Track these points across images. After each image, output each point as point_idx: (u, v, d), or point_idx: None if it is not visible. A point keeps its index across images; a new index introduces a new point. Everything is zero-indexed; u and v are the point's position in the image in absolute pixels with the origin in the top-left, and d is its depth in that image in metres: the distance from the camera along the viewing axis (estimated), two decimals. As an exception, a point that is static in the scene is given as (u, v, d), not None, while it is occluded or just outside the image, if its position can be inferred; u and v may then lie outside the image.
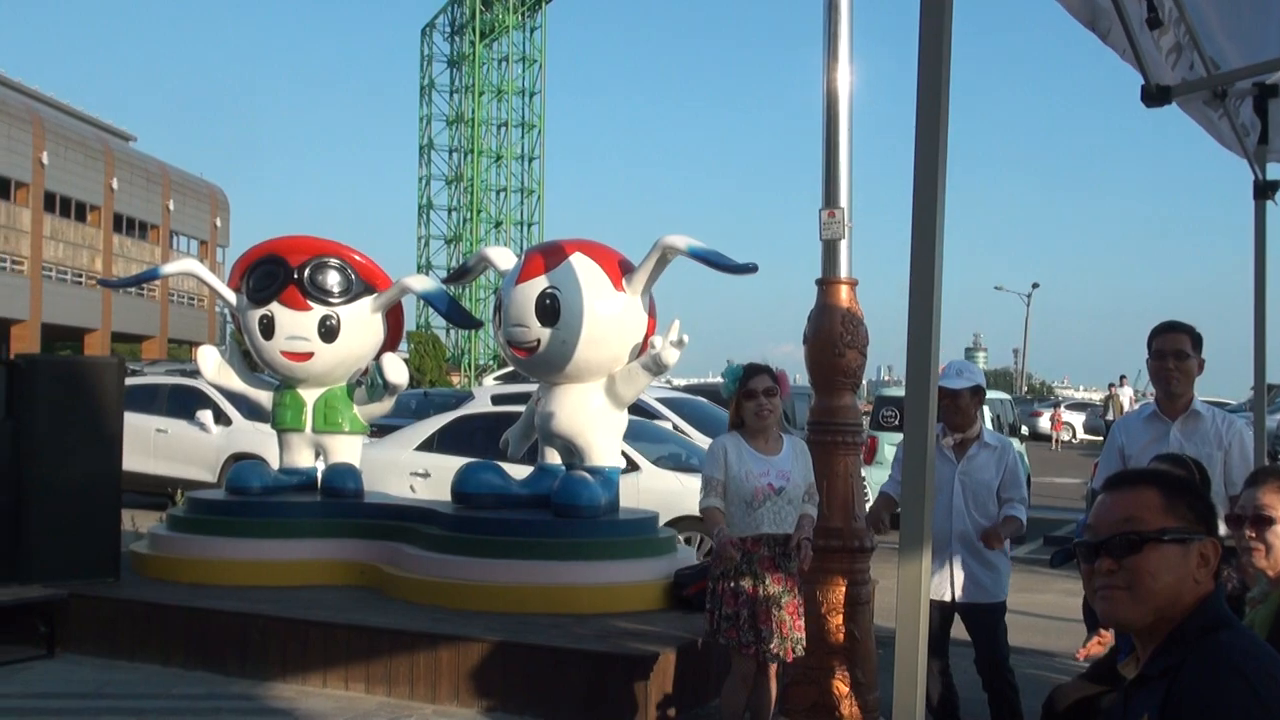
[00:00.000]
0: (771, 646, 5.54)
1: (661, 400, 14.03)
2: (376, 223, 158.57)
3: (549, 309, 7.97)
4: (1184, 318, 5.63)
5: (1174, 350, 5.51)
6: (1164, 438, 5.43)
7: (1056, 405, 47.38)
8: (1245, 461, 5.38)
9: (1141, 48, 3.94)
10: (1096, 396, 57.07)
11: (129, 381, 12.55)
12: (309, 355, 8.83)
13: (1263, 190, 5.92)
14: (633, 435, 11.66)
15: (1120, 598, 2.32)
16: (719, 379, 5.88)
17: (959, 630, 6.19)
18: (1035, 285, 64.99)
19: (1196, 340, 5.56)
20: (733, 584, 5.55)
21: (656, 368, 7.99)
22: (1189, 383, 5.53)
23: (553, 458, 8.45)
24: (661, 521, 8.98)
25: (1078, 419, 45.39)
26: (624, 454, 10.96)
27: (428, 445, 12.28)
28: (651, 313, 8.27)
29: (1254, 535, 3.57)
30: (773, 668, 5.82)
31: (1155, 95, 4.09)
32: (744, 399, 5.67)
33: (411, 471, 11.97)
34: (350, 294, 8.84)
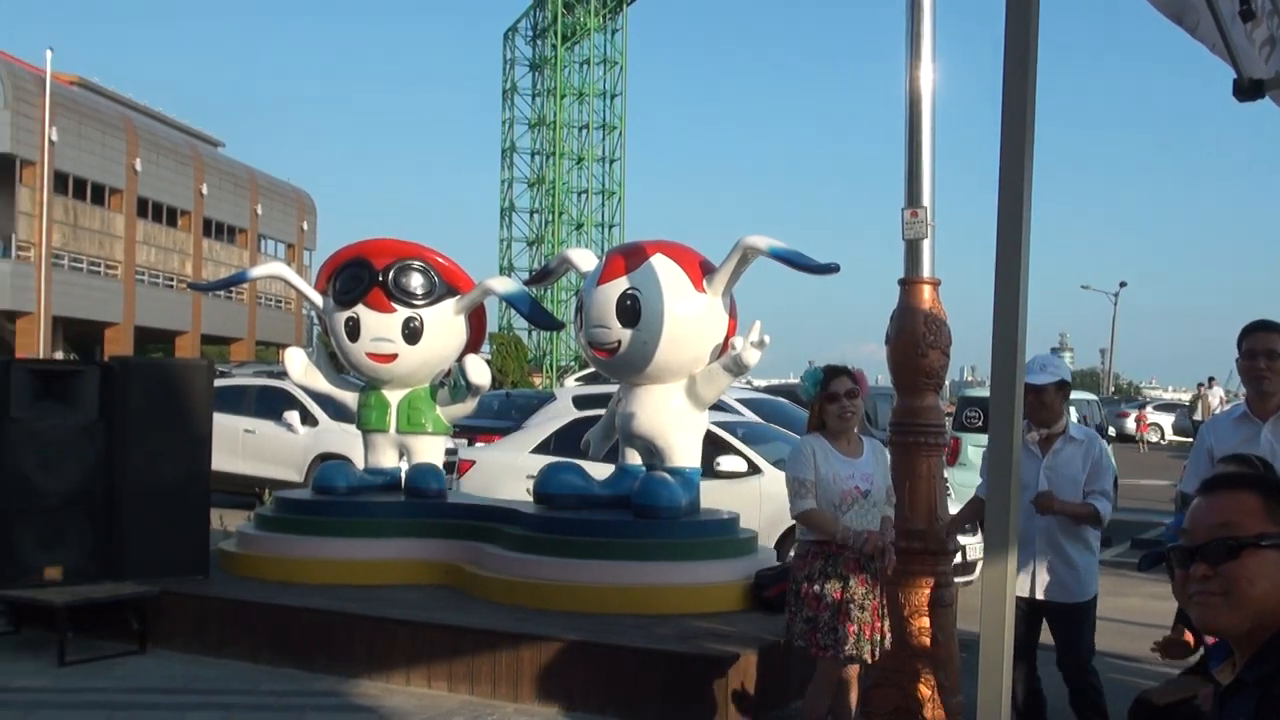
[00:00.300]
0: (847, 649, 5.50)
1: (742, 401, 13.97)
2: (459, 225, 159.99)
3: (630, 310, 7.98)
4: (1276, 317, 5.51)
5: (1265, 349, 5.40)
6: (1255, 439, 5.31)
7: (1142, 406, 46.52)
8: None
9: (1233, 41, 3.86)
10: (1185, 397, 55.99)
11: (218, 383, 12.80)
12: (393, 357, 8.93)
13: (1360, 184, 5.75)
14: (755, 439, 11.64)
15: (1216, 604, 2.27)
16: (799, 380, 5.83)
17: (1046, 633, 6.11)
18: (1123, 284, 63.94)
19: None
20: (817, 587, 5.51)
21: (737, 368, 7.97)
22: None
23: (633, 458, 8.46)
24: (783, 525, 8.86)
25: (1166, 420, 44.55)
26: (745, 458, 10.99)
27: (544, 448, 12.00)
28: (732, 313, 8.26)
29: None
30: (855, 670, 5.78)
31: (1247, 89, 4.01)
32: (826, 402, 5.64)
33: (528, 474, 11.82)
34: (433, 296, 8.92)
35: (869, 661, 5.62)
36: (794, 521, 5.77)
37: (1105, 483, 6.05)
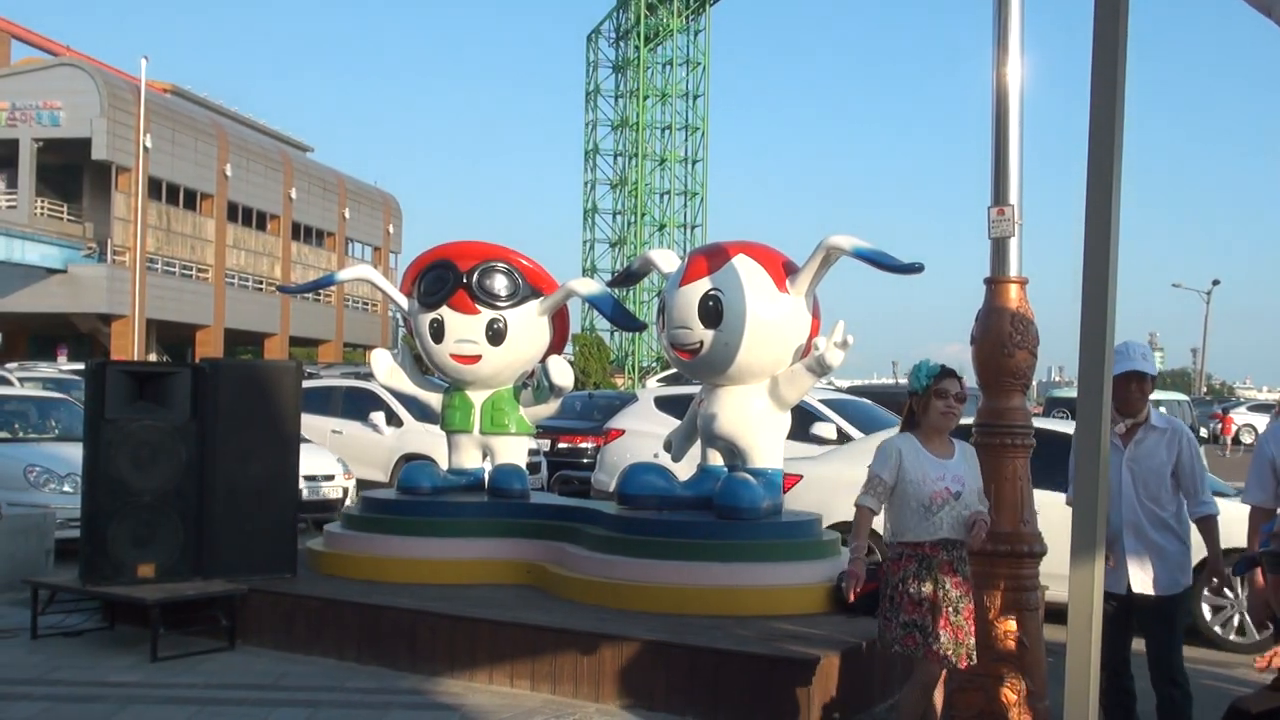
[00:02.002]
0: (944, 651, 5.44)
1: (825, 402, 13.90)
2: (542, 227, 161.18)
3: (712, 311, 7.97)
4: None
5: None
6: None
7: (1226, 407, 45.32)
8: None
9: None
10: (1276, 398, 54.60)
11: (306, 384, 12.98)
12: (477, 358, 9.00)
13: None
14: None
15: None
16: (910, 371, 5.77)
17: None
18: (1216, 282, 62.41)
19: None
20: (913, 589, 5.45)
21: (820, 369, 7.92)
22: None
23: (715, 459, 8.44)
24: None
25: (1261, 420, 43.49)
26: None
27: None
28: (816, 314, 8.21)
29: None
30: (943, 674, 5.71)
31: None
32: (935, 397, 5.57)
33: None
34: (517, 298, 8.97)
35: (961, 667, 5.55)
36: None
37: (1198, 480, 5.95)
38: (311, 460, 12.75)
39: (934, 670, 5.55)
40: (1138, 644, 6.01)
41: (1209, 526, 5.97)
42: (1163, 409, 16.68)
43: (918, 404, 5.63)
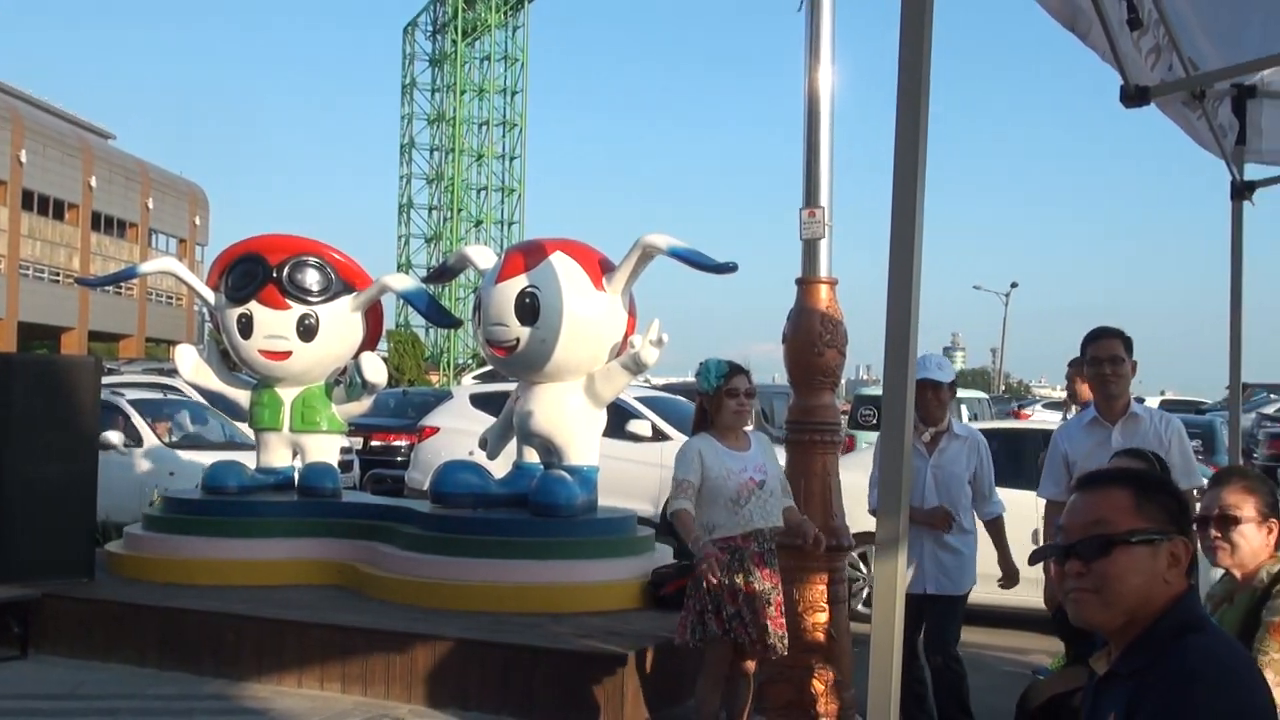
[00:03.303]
0: (759, 641, 5.53)
1: (640, 399, 14.02)
2: (356, 221, 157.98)
3: (529, 308, 7.96)
4: (1160, 317, 5.73)
5: (1109, 356, 5.61)
6: (1106, 442, 5.49)
7: (1022, 405, 47.22)
8: (1185, 458, 5.50)
9: (1121, 48, 3.94)
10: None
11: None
12: (287, 354, 8.80)
13: (1240, 190, 5.94)
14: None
15: (1090, 600, 2.30)
16: (697, 372, 5.81)
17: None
18: (1014, 285, 64.93)
19: (1129, 344, 5.69)
20: (728, 581, 5.52)
21: (636, 367, 7.99)
22: (1125, 386, 5.65)
23: (531, 456, 8.43)
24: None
25: (1055, 417, 45.29)
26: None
27: None
28: (631, 311, 8.27)
29: (1219, 535, 3.59)
30: (751, 666, 5.80)
31: (1134, 95, 4.09)
32: (727, 396, 5.65)
33: None
34: (329, 293, 8.81)
35: (773, 657, 5.65)
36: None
37: (991, 477, 6.31)
38: None
39: (724, 659, 5.63)
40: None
41: (998, 527, 6.34)
42: (963, 406, 17.34)
43: (710, 404, 5.71)
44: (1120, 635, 2.32)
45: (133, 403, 13.33)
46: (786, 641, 5.62)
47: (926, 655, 6.19)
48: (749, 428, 5.95)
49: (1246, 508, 3.57)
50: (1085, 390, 8.27)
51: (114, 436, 12.53)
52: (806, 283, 6.13)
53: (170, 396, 15.79)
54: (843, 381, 6.73)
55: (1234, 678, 2.17)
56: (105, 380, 14.82)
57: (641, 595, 7.69)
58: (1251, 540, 3.56)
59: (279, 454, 9.16)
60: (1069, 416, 8.95)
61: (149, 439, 13.02)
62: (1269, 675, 3.31)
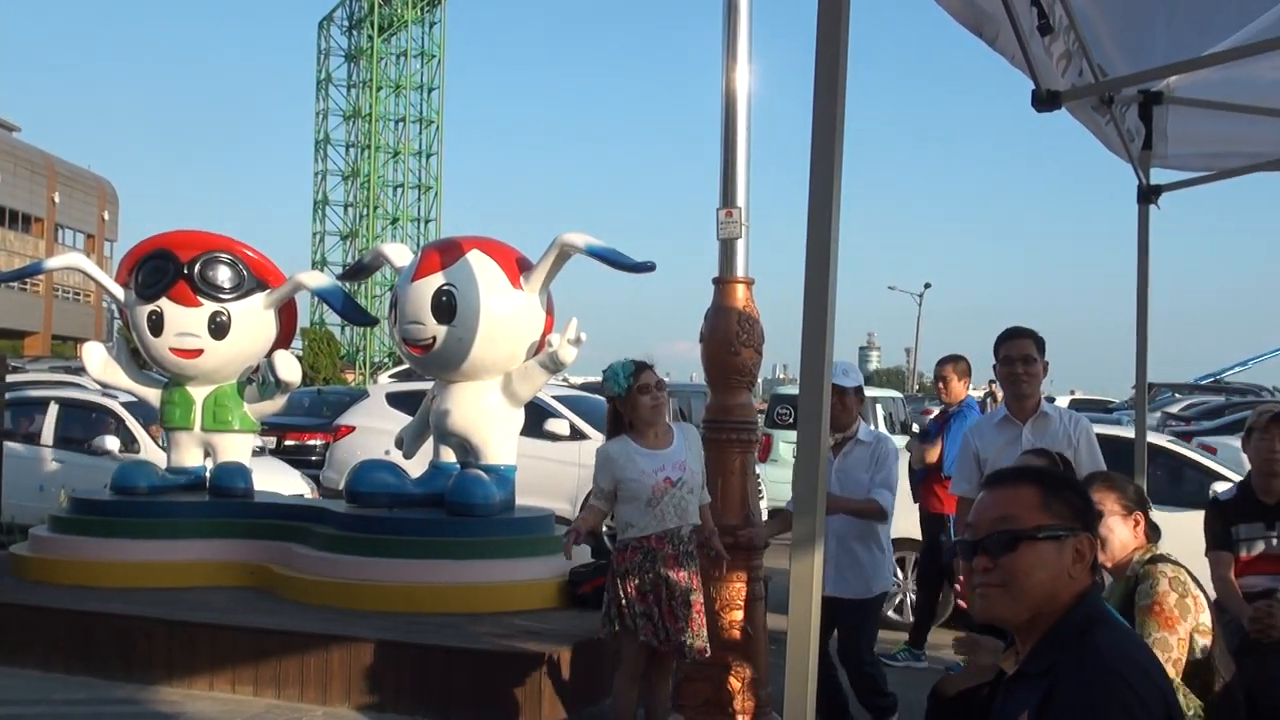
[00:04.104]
0: (672, 640, 5.55)
1: (558, 398, 14.00)
2: (270, 218, 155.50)
3: (445, 306, 7.91)
4: (1071, 317, 5.81)
5: (1021, 355, 5.70)
6: (1017, 440, 5.58)
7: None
8: (1092, 456, 5.59)
9: (1032, 53, 4.00)
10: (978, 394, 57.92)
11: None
12: (198, 352, 8.66)
13: (1146, 194, 6.06)
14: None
15: (997, 596, 2.35)
16: (605, 376, 5.77)
17: None
18: (927, 285, 66.06)
19: (1040, 344, 5.77)
20: (637, 580, 5.53)
21: (554, 365, 7.98)
22: (1036, 385, 5.73)
23: (448, 456, 8.38)
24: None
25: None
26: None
27: None
28: (549, 310, 8.25)
29: None
30: (670, 664, 5.82)
31: (1046, 99, 4.15)
32: (640, 394, 5.65)
33: None
34: (242, 290, 8.69)
35: (689, 658, 5.66)
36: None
37: (887, 474, 6.28)
38: (276, 479, 11.77)
39: (639, 656, 5.65)
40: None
41: (868, 503, 6.23)
42: (879, 405, 17.52)
43: (624, 405, 5.69)
44: (1027, 631, 2.36)
45: (126, 405, 12.65)
46: (705, 642, 5.64)
47: (840, 659, 6.24)
48: (671, 420, 5.95)
49: (1109, 503, 3.84)
50: (958, 389, 8.50)
51: (109, 442, 12.10)
52: (723, 282, 6.16)
53: None
54: (759, 381, 6.76)
55: (1139, 667, 2.23)
56: (15, 379, 14.54)
57: (559, 595, 7.68)
58: (1118, 533, 3.86)
59: (190, 453, 9.01)
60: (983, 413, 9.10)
61: (146, 444, 12.39)
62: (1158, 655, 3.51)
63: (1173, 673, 3.58)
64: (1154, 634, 3.65)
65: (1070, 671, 2.22)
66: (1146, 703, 2.17)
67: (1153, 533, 3.97)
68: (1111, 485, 3.94)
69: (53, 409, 12.96)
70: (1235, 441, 9.08)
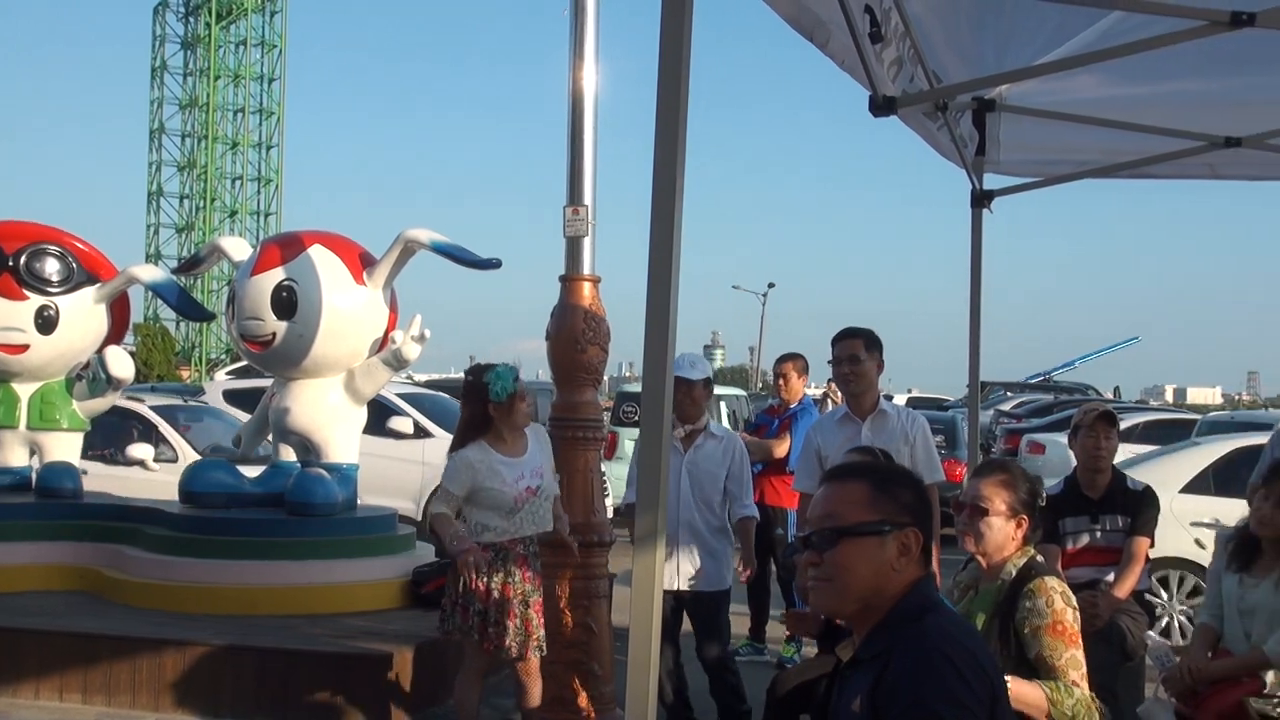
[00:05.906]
0: (514, 642, 5.51)
1: (402, 396, 13.88)
2: (102, 209, 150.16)
3: (285, 302, 7.76)
4: (909, 318, 5.96)
5: (848, 355, 5.86)
6: (856, 437, 5.75)
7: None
8: (928, 453, 5.79)
9: (867, 59, 4.09)
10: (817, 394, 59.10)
11: None
12: (24, 348, 8.36)
13: (979, 199, 6.27)
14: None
15: (824, 589, 2.44)
16: (490, 381, 5.53)
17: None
18: (771, 285, 66.94)
19: (871, 343, 5.90)
20: (486, 580, 5.48)
21: (397, 363, 7.90)
22: (866, 384, 5.87)
23: (288, 455, 8.23)
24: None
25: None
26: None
27: (1202, 487, 9.10)
28: (393, 307, 8.16)
29: (966, 522, 3.81)
30: (536, 663, 5.72)
31: (882, 105, 4.25)
32: (519, 400, 5.57)
33: (1192, 522, 8.79)
34: (71, 283, 8.41)
35: (530, 657, 5.64)
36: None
37: (747, 485, 6.50)
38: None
39: (484, 657, 5.62)
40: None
41: (747, 528, 6.50)
42: (723, 404, 17.74)
43: (499, 411, 5.54)
44: (860, 621, 2.45)
45: (155, 409, 11.75)
46: (542, 642, 5.62)
47: (699, 654, 6.29)
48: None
49: (998, 501, 3.79)
50: (798, 386, 8.70)
51: (141, 451, 11.23)
52: (570, 280, 6.18)
53: (190, 402, 14.18)
54: (606, 379, 6.80)
55: (964, 649, 2.32)
56: None
57: (402, 594, 7.61)
58: (997, 532, 3.79)
59: (15, 453, 8.70)
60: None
61: (184, 452, 11.48)
62: (1071, 674, 3.56)
63: (1085, 687, 3.56)
64: (1064, 653, 3.58)
65: (899, 656, 2.31)
66: (970, 684, 2.25)
67: (1032, 535, 3.87)
68: (1005, 484, 3.81)
69: None
70: (1063, 438, 9.45)
